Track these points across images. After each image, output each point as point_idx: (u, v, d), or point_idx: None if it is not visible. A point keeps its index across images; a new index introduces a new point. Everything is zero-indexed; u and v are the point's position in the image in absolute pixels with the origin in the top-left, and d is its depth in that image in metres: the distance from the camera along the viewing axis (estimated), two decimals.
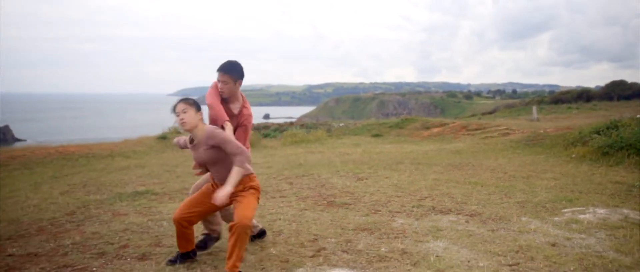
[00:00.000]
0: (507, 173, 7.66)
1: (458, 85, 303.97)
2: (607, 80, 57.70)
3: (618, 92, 42.01)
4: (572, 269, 3.35)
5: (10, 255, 3.99)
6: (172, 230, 4.61)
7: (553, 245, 3.90)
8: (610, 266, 3.40)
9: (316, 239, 4.15)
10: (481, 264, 3.46)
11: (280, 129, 17.44)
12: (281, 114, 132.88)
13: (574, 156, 9.02)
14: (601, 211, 5.00)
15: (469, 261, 3.53)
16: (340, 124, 17.71)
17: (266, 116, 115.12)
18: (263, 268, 3.39)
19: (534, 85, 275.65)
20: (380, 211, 5.23)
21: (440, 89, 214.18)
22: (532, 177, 7.17)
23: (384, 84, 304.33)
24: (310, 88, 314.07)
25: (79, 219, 5.25)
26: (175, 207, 5.61)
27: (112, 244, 4.21)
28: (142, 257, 3.82)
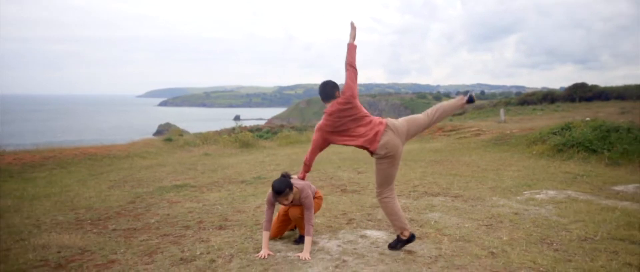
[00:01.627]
0: (480, 167, 9.27)
1: (428, 86, 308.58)
2: (572, 82, 59.99)
3: (580, 94, 43.74)
4: (527, 226, 4.91)
5: (114, 229, 5.29)
6: (232, 210, 6.01)
7: (515, 213, 5.47)
8: (553, 224, 4.97)
9: (345, 214, 5.63)
10: (466, 225, 4.99)
11: (273, 130, 18.77)
12: (252, 115, 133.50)
13: (534, 152, 10.72)
14: (552, 192, 6.62)
15: (457, 224, 5.06)
16: None
17: (236, 118, 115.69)
18: (317, 231, 4.82)
19: (502, 86, 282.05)
20: None
21: (410, 90, 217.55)
22: (500, 170, 8.80)
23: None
24: (281, 89, 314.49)
25: (143, 206, 6.56)
26: (218, 196, 6.99)
27: (189, 220, 5.57)
28: (220, 227, 5.20)
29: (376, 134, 3.97)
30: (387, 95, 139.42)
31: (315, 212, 4.53)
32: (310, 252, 4.14)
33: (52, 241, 4.71)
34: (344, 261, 3.96)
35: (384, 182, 4.16)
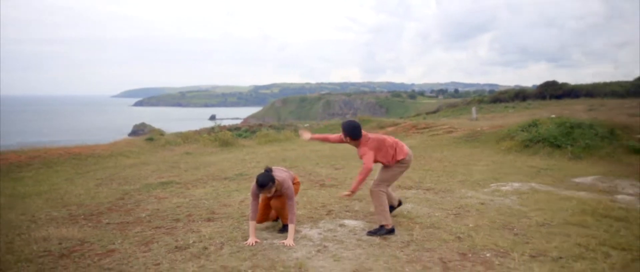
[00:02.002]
0: (451, 162, 9.78)
1: (402, 85, 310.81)
2: (544, 80, 61.36)
3: (550, 91, 44.85)
4: (491, 214, 5.39)
5: (108, 223, 5.60)
6: (218, 204, 6.36)
7: (482, 203, 5.95)
8: (515, 212, 5.47)
9: (324, 206, 6.03)
10: (436, 214, 5.45)
11: (251, 130, 19.10)
12: (228, 114, 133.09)
13: (502, 148, 11.30)
14: (516, 184, 7.15)
15: (428, 213, 5.52)
16: (306, 125, 19.58)
17: (212, 117, 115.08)
18: (299, 221, 5.22)
19: (475, 84, 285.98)
20: (361, 189, 7.16)
21: (385, 89, 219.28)
22: (470, 165, 9.32)
23: (330, 84, 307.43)
24: (256, 89, 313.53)
25: (132, 201, 6.86)
26: (203, 192, 7.33)
27: (178, 214, 5.90)
28: (209, 219, 5.55)
29: (399, 148, 4.94)
30: (363, 94, 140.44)
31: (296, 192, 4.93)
32: (294, 239, 4.52)
33: (52, 234, 5.00)
34: (325, 246, 4.37)
35: (389, 181, 4.99)
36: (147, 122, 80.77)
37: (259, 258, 4.09)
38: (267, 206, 4.94)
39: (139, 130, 66.79)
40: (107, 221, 5.70)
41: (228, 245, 4.45)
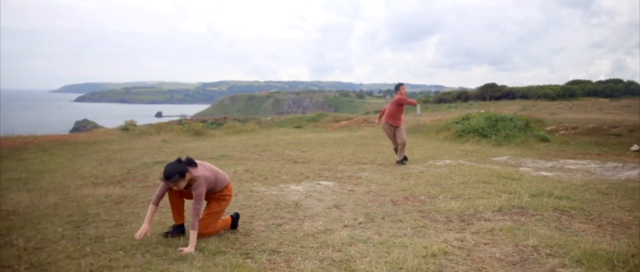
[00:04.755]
0: None
1: (351, 84, 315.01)
2: (486, 82, 65.28)
3: (490, 93, 48.07)
4: (427, 178, 7.34)
5: (132, 187, 7.13)
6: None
7: (421, 172, 7.92)
8: (444, 176, 7.46)
9: (301, 173, 7.83)
10: (387, 178, 7.37)
11: (217, 122, 20.60)
12: (174, 112, 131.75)
13: (440, 137, 13.43)
14: (448, 161, 9.18)
15: (381, 177, 7.42)
16: (268, 118, 21.31)
17: (158, 114, 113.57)
18: (286, 182, 6.97)
19: (422, 85, 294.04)
20: (327, 164, 9.01)
21: (334, 88, 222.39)
22: (413, 149, 11.33)
23: (279, 82, 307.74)
24: (204, 86, 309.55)
25: (140, 174, 8.36)
26: None
27: None
28: None
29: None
30: (311, 93, 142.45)
31: (223, 209, 4.44)
32: (195, 248, 3.96)
33: (95, 192, 6.53)
34: (310, 194, 6.18)
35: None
36: (90, 118, 78.69)
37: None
38: (180, 200, 4.43)
39: (81, 127, 64.23)
40: (130, 185, 7.23)
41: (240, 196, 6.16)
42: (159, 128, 16.67)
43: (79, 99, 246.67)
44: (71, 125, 70.89)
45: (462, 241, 4.22)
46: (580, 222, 4.85)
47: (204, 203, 4.26)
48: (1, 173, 8.43)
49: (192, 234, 3.98)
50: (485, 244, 4.14)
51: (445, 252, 3.88)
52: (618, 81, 52.14)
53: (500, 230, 4.51)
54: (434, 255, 3.82)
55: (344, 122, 19.13)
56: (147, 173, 8.40)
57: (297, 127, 19.00)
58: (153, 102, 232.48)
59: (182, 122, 19.02)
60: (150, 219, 4.15)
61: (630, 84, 50.26)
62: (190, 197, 4.25)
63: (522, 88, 49.85)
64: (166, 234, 4.36)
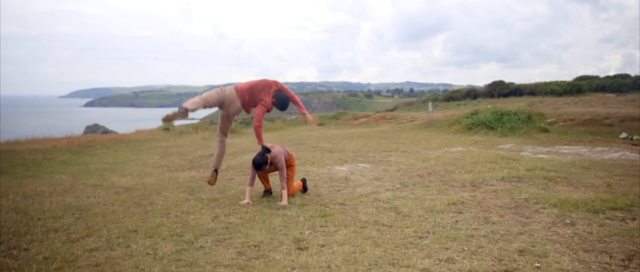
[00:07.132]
0: (415, 139, 13.47)
1: (358, 84, 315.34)
2: (495, 79, 66.20)
3: (498, 90, 49.19)
4: (444, 160, 9.02)
5: (206, 170, 8.85)
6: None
7: (438, 157, 9.60)
8: (456, 160, 9.14)
9: (340, 159, 9.54)
10: (411, 161, 9.06)
11: (245, 122, 22.30)
12: None
13: (452, 130, 15.10)
14: (460, 148, 10.87)
15: (406, 160, 9.12)
16: (292, 117, 23.06)
17: None
18: (328, 164, 8.68)
19: (430, 84, 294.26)
20: (359, 152, 10.71)
21: (342, 88, 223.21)
22: (429, 140, 13.02)
23: (287, 83, 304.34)
24: (212, 88, 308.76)
25: (203, 164, 10.03)
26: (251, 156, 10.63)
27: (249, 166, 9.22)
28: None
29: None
30: (320, 94, 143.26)
31: (293, 173, 6.05)
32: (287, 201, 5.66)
33: (178, 176, 8.29)
34: (353, 172, 7.89)
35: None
36: (101, 123, 79.51)
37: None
38: (265, 175, 6.16)
39: (92, 131, 64.32)
40: (201, 171, 8.97)
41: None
42: (196, 127, 18.44)
43: (88, 104, 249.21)
44: (81, 131, 71.51)
45: (474, 196, 5.92)
46: (562, 186, 6.51)
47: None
48: (87, 164, 10.20)
49: (284, 193, 5.66)
50: (490, 198, 5.83)
51: (462, 202, 5.57)
52: (626, 76, 52.34)
53: (501, 190, 6.20)
54: (454, 203, 5.51)
55: (363, 120, 20.86)
56: (208, 163, 10.09)
57: (320, 124, 20.74)
58: (162, 105, 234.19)
59: (214, 123, 20.76)
60: (249, 195, 5.72)
61: (638, 78, 50.43)
62: (268, 172, 6.04)
63: (530, 85, 50.58)
64: (263, 195, 6.13)
